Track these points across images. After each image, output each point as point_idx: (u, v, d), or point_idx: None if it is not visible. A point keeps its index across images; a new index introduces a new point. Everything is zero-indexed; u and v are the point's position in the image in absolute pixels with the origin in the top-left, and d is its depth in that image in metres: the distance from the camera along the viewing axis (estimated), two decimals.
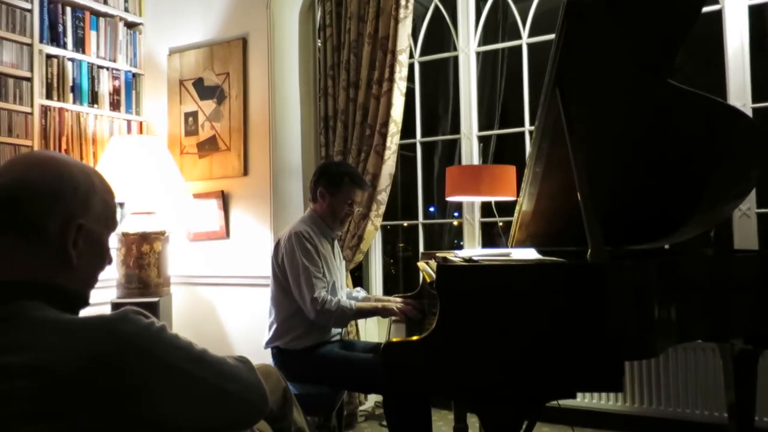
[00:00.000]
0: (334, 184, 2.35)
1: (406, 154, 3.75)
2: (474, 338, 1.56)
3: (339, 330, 2.42)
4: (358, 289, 2.66)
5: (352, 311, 2.22)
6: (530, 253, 2.04)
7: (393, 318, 2.65)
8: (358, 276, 3.62)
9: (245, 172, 3.51)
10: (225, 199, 3.58)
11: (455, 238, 4.00)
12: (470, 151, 3.32)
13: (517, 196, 2.33)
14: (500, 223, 3.06)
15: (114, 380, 0.83)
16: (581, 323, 1.52)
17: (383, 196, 3.21)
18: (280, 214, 3.40)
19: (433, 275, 1.77)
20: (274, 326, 2.34)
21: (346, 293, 2.57)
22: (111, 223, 1.03)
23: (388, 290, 3.64)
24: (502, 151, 3.54)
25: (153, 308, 3.15)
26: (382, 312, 2.28)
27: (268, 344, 2.36)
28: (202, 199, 3.65)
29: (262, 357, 2.29)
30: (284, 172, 3.46)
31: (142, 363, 0.86)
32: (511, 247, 2.34)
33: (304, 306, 2.22)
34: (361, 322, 3.25)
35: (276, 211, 3.42)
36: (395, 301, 2.40)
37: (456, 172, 2.85)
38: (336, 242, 2.51)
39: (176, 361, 0.90)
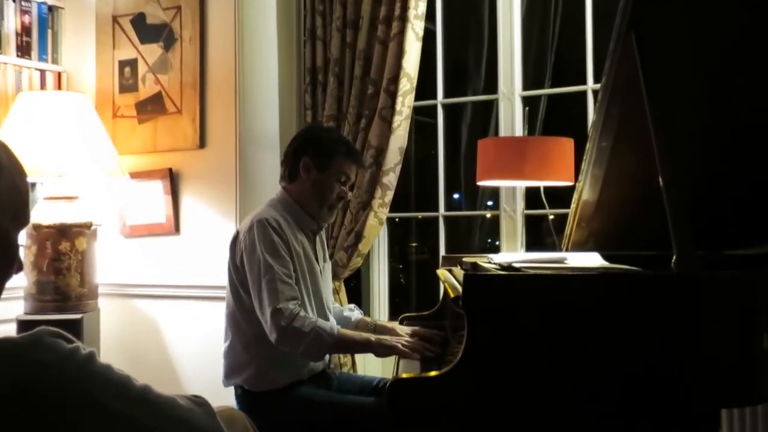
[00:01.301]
0: (325, 155, 2.37)
1: (422, 120, 3.74)
2: (514, 377, 1.57)
3: (321, 362, 2.43)
4: (352, 307, 2.67)
5: (332, 337, 2.20)
6: (593, 259, 2.06)
7: None
8: (356, 287, 3.63)
9: (202, 144, 3.51)
10: (174, 181, 3.57)
11: (489, 237, 3.97)
12: (511, 118, 3.32)
13: (576, 180, 2.30)
14: (551, 217, 3.07)
15: (22, 427, 0.84)
16: (664, 357, 1.54)
17: (391, 179, 3.21)
18: (249, 201, 3.39)
19: (459, 288, 1.79)
20: (231, 356, 2.37)
21: (337, 312, 2.58)
22: (21, 216, 1.03)
23: (395, 308, 3.65)
24: (555, 117, 3.51)
25: (75, 328, 3.17)
26: (376, 349, 2.25)
27: (227, 380, 2.38)
28: (143, 180, 3.64)
29: (223, 398, 2.31)
30: (255, 144, 3.46)
31: (63, 404, 0.86)
32: (567, 250, 2.35)
33: (264, 322, 2.22)
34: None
35: (244, 196, 3.41)
36: (400, 331, 2.40)
37: (491, 146, 2.86)
38: (320, 237, 2.52)
39: (109, 401, 0.90)
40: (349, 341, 2.28)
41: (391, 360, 2.41)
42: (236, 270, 2.32)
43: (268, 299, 2.19)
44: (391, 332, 2.42)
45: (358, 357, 3.32)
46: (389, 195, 3.22)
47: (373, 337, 2.28)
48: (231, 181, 3.44)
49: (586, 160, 2.11)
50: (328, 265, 2.59)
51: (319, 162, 2.36)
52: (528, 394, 1.57)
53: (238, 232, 2.37)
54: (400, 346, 2.22)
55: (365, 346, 2.28)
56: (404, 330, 2.42)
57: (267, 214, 2.31)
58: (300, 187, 2.39)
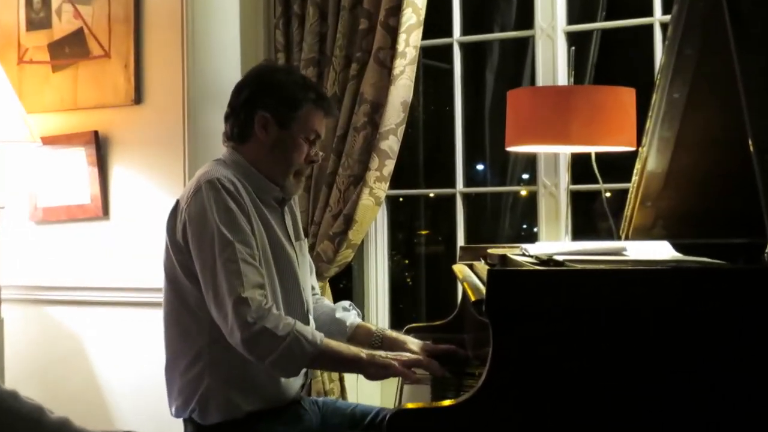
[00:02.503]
0: (288, 106, 2.36)
1: (433, 65, 3.72)
2: (555, 410, 1.56)
3: (299, 383, 2.41)
4: (347, 305, 2.63)
5: (313, 348, 2.17)
6: (661, 250, 2.04)
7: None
8: (346, 289, 3.64)
9: (138, 99, 3.50)
10: (101, 148, 3.58)
11: (523, 222, 3.97)
12: (552, 62, 3.31)
13: (639, 145, 2.31)
14: (606, 195, 3.06)
15: None
16: (757, 382, 1.54)
17: (392, 144, 3.21)
18: None
19: (482, 289, 1.76)
20: (174, 375, 2.36)
21: (326, 312, 2.58)
22: None
23: (399, 317, 3.64)
24: (610, 60, 3.51)
25: None
26: (367, 368, 2.22)
27: (177, 411, 2.38)
28: (60, 147, 3.64)
29: None
30: (209, 99, 3.45)
31: None
32: (626, 238, 2.34)
33: (221, 318, 2.19)
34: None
35: (194, 168, 3.37)
36: (413, 346, 2.39)
37: (526, 100, 2.84)
38: (290, 208, 2.52)
39: None
40: (335, 355, 2.24)
41: (392, 384, 2.40)
42: (177, 250, 2.30)
43: (227, 286, 2.16)
44: (401, 347, 2.41)
45: (349, 379, 3.30)
46: (389, 166, 3.21)
47: (364, 352, 2.24)
48: (177, 148, 3.43)
49: (651, 118, 2.10)
50: (305, 244, 2.58)
51: (280, 116, 2.35)
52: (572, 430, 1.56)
53: (178, 201, 2.36)
54: (396, 364, 2.19)
55: (354, 364, 2.25)
56: (418, 344, 2.41)
57: (217, 173, 2.29)
58: (255, 150, 2.39)
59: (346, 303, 2.63)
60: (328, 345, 2.21)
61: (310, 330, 2.22)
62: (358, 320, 2.56)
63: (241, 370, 2.26)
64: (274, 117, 2.35)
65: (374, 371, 2.22)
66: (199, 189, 2.26)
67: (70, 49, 3.65)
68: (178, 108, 3.46)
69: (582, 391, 1.57)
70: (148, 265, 3.43)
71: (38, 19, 3.70)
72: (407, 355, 2.28)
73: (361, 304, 3.59)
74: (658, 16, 3.22)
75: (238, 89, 2.43)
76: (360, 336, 2.49)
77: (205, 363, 2.30)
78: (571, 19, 3.37)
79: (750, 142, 1.64)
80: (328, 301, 2.75)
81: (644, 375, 1.57)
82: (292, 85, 2.38)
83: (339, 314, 2.55)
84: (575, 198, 3.27)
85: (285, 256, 2.37)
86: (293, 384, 2.37)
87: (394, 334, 2.54)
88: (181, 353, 2.34)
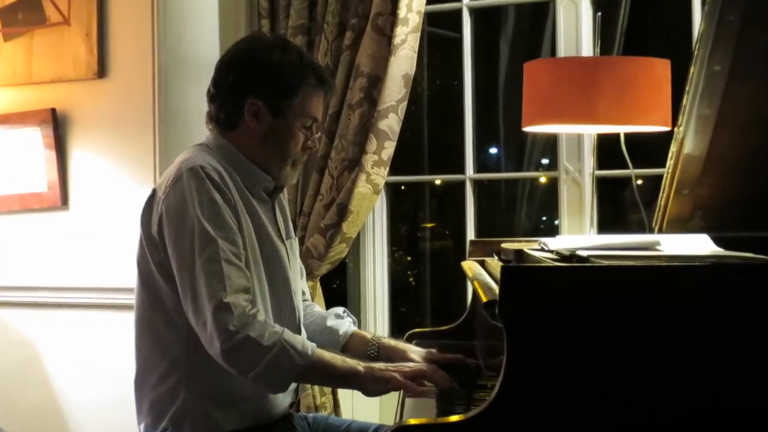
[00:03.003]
0: (284, 92, 2.36)
1: (440, 34, 3.71)
2: (580, 424, 1.57)
3: (289, 398, 2.41)
4: (340, 311, 2.63)
5: (304, 360, 2.18)
6: (699, 244, 2.05)
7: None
8: (339, 290, 3.66)
9: (101, 72, 3.51)
10: (59, 128, 3.58)
11: (542, 213, 3.98)
12: (575, 29, 3.31)
13: (675, 125, 2.27)
14: (638, 181, 3.05)
15: None
16: None
17: (392, 123, 3.22)
18: (174, 157, 3.38)
19: (495, 289, 1.77)
20: (145, 388, 2.35)
21: (316, 320, 2.58)
22: None
23: (401, 322, 3.66)
24: (643, 28, 3.50)
25: None
26: (365, 383, 2.23)
27: (146, 430, 2.37)
28: (12, 127, 3.65)
29: None
30: (183, 72, 3.47)
31: None
32: (661, 230, 2.33)
33: (199, 324, 2.19)
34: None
35: (166, 150, 3.45)
36: (414, 356, 2.39)
37: (545, 73, 2.84)
38: (280, 202, 2.52)
39: None
40: (328, 369, 2.23)
41: (391, 398, 2.39)
42: (152, 247, 2.29)
43: (207, 289, 2.16)
44: (402, 356, 2.42)
45: (343, 393, 3.30)
46: (389, 148, 3.23)
47: (362, 365, 2.23)
48: (146, 128, 3.44)
49: (689, 94, 2.08)
50: (295, 243, 2.59)
51: (274, 104, 2.34)
52: None
53: (155, 191, 2.35)
54: (398, 376, 2.19)
55: (350, 379, 2.25)
56: (420, 353, 2.42)
57: (201, 160, 2.28)
58: (244, 138, 2.38)
59: (339, 309, 2.63)
60: (320, 357, 2.20)
61: (301, 340, 2.22)
62: (353, 328, 2.57)
63: (223, 383, 2.25)
64: (267, 105, 2.34)
65: (373, 386, 2.22)
66: (180, 177, 2.25)
67: (24, 16, 3.63)
68: (148, 82, 3.46)
69: (610, 406, 1.58)
70: (113, 262, 3.47)
71: None
72: (409, 365, 2.28)
73: (356, 308, 3.59)
74: None
75: (225, 68, 2.39)
76: (355, 345, 2.50)
77: (180, 375, 2.29)
78: None
79: None
80: (319, 307, 2.72)
81: (683, 385, 1.57)
82: (288, 67, 2.34)
83: (331, 322, 2.56)
84: (602, 185, 3.26)
85: (276, 256, 2.37)
86: (282, 400, 2.36)
87: (393, 342, 2.55)
88: (154, 363, 2.33)
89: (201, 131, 3.27)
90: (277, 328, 2.18)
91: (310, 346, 2.20)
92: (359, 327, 2.62)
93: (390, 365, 2.26)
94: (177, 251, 2.22)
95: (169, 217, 2.24)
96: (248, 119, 2.35)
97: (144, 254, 2.33)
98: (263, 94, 2.34)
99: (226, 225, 2.21)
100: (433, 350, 2.45)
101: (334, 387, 3.18)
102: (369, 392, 2.24)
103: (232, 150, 2.37)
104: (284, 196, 2.56)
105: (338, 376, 2.26)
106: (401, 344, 2.53)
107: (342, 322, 2.56)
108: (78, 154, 3.59)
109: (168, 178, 2.29)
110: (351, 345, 2.50)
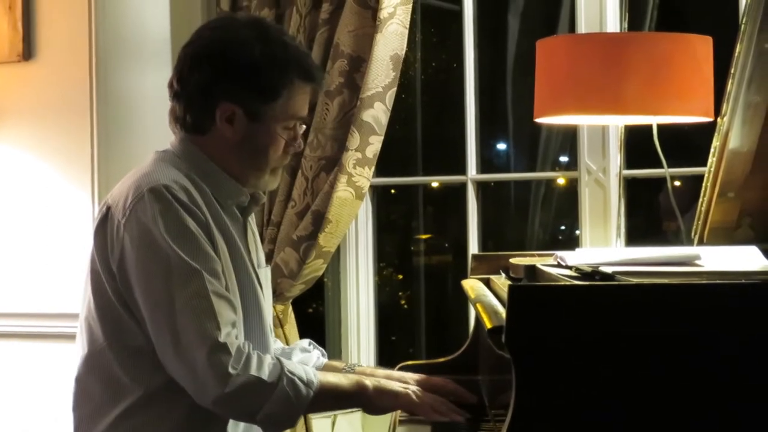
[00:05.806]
0: (265, 94, 2.31)
1: (435, 5, 3.76)
2: None
3: None
4: (305, 344, 2.65)
5: (313, 387, 2.21)
6: (747, 257, 2.02)
7: (400, 414, 2.58)
8: (315, 316, 3.71)
9: (28, 53, 3.52)
10: None
11: (559, 221, 4.02)
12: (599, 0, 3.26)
13: (717, 115, 2.25)
14: (676, 183, 3.10)
15: None
16: None
17: (378, 114, 3.21)
18: (115, 155, 3.49)
19: (501, 312, 1.81)
20: None
21: (280, 356, 2.54)
22: None
23: (389, 353, 3.72)
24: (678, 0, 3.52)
25: None
26: (374, 398, 2.28)
27: None
28: None
29: None
30: (127, 53, 3.52)
31: None
32: (700, 241, 2.30)
33: (187, 374, 2.16)
34: (322, 420, 3.30)
35: (106, 146, 3.48)
36: (394, 377, 2.44)
37: (563, 52, 2.84)
38: (250, 222, 2.50)
39: None
40: (335, 391, 2.28)
41: (383, 423, 2.50)
42: (108, 274, 2.23)
43: (196, 329, 2.13)
44: (391, 377, 2.48)
45: (318, 417, 3.33)
46: (375, 144, 3.23)
47: (366, 378, 2.31)
48: (82, 118, 3.45)
49: (735, 77, 2.06)
50: (268, 271, 2.57)
51: (252, 108, 2.29)
52: None
53: (108, 208, 2.27)
54: (411, 393, 2.27)
55: (358, 397, 2.29)
56: (408, 377, 2.44)
57: (165, 177, 2.23)
58: (216, 145, 2.34)
59: (304, 342, 2.67)
60: (325, 380, 2.26)
61: (301, 367, 2.25)
62: (323, 360, 2.61)
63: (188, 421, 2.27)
64: (244, 109, 2.30)
65: (383, 402, 2.31)
66: (141, 198, 2.21)
67: None
68: (83, 65, 3.46)
69: None
70: (41, 284, 3.51)
71: None
72: (417, 376, 2.41)
73: (336, 337, 3.68)
74: None
75: (192, 62, 2.32)
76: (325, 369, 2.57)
77: (134, 424, 2.26)
78: None
79: None
80: (280, 342, 2.77)
81: (727, 421, 1.59)
82: (269, 65, 2.29)
83: (297, 357, 2.56)
84: (630, 188, 3.28)
85: (250, 286, 2.37)
86: None
87: (370, 369, 2.62)
88: (101, 410, 2.29)
89: (146, 123, 3.39)
90: (269, 358, 2.21)
91: (311, 372, 2.25)
92: (341, 359, 2.75)
93: (398, 383, 2.36)
94: (147, 287, 2.20)
95: (134, 247, 2.21)
96: (220, 125, 2.31)
97: (99, 281, 2.27)
98: (239, 98, 2.30)
99: (204, 253, 2.20)
100: (426, 376, 2.49)
101: (340, 410, 3.18)
102: (374, 410, 2.35)
103: (202, 158, 2.34)
104: (252, 220, 2.54)
105: (346, 395, 2.32)
106: (380, 370, 2.59)
107: (310, 355, 2.59)
108: (0, 149, 3.60)
109: (126, 197, 2.24)
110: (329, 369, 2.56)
